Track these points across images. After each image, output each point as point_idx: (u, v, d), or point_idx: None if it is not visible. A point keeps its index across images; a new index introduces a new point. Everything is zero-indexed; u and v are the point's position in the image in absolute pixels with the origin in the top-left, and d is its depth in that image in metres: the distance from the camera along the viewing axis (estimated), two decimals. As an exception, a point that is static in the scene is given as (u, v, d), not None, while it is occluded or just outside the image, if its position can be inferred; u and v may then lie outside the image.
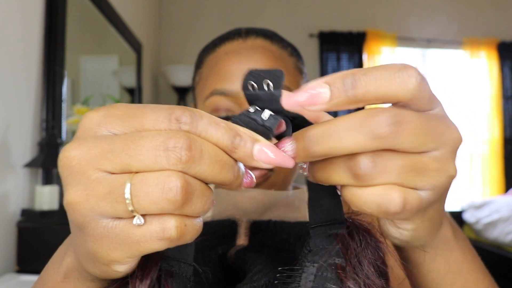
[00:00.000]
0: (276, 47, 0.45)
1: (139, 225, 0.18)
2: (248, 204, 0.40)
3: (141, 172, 0.17)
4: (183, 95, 2.58)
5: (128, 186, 0.17)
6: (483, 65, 2.99)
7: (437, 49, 3.00)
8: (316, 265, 0.23)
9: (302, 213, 0.42)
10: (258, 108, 0.21)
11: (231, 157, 0.19)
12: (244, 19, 2.78)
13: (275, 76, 0.21)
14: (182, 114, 0.18)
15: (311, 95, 0.19)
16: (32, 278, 0.88)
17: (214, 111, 0.43)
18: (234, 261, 0.33)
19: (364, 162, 0.19)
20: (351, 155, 0.19)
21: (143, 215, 0.18)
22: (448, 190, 0.22)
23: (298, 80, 0.46)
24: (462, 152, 2.98)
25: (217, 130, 0.19)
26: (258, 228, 0.37)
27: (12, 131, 0.99)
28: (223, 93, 0.42)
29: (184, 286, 0.23)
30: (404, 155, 0.19)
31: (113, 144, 0.18)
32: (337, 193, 0.25)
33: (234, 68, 0.42)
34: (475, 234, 2.22)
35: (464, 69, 3.00)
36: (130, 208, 0.17)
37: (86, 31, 1.57)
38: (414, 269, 0.27)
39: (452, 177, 0.20)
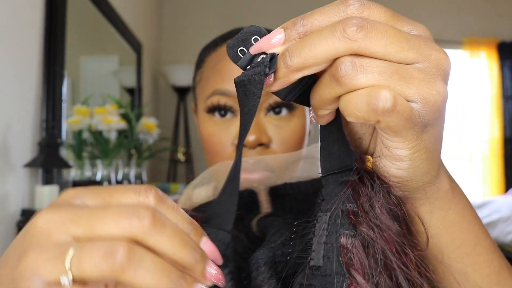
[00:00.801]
0: None
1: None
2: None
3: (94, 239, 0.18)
4: (183, 95, 2.58)
5: (70, 252, 0.17)
6: (483, 65, 2.99)
7: (437, 49, 2.99)
8: (328, 213, 0.23)
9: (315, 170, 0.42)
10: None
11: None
12: (244, 19, 2.78)
13: (253, 32, 0.23)
14: (150, 191, 0.20)
15: (267, 39, 0.22)
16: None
17: (215, 110, 0.43)
18: (257, 230, 0.33)
19: (343, 64, 0.19)
20: (333, 64, 0.20)
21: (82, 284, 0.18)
22: (441, 115, 0.22)
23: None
24: (462, 152, 2.98)
25: (180, 215, 0.21)
26: (277, 193, 0.37)
27: (12, 131, 0.99)
28: (224, 93, 0.42)
29: (222, 253, 0.23)
30: (385, 61, 0.20)
31: (80, 212, 0.19)
32: (346, 140, 0.25)
33: (235, 68, 0.42)
34: (475, 234, 2.22)
35: (464, 69, 3.00)
36: (66, 275, 0.17)
37: (86, 31, 1.57)
38: (414, 226, 0.27)
39: (442, 95, 0.21)
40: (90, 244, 0.18)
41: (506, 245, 1.98)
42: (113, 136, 1.43)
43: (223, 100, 0.42)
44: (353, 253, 0.21)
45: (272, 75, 0.22)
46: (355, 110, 0.20)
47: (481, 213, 2.22)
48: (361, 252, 0.22)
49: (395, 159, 0.23)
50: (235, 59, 0.23)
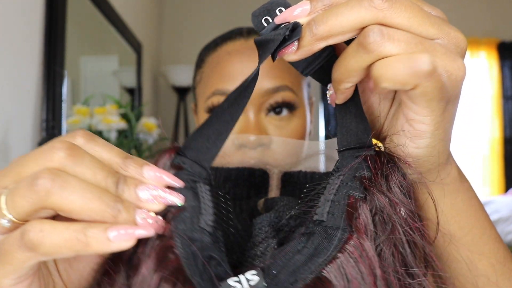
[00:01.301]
0: None
1: (5, 231, 0.19)
2: (279, 155, 0.40)
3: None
4: (183, 95, 2.58)
5: (3, 195, 0.19)
6: (483, 65, 2.99)
7: (437, 49, 2.99)
8: (341, 177, 0.23)
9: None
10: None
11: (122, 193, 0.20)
12: (244, 19, 2.77)
13: (278, 3, 0.23)
14: (78, 132, 0.21)
15: (293, 9, 0.22)
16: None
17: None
18: (263, 209, 0.33)
19: (371, 31, 0.20)
20: (361, 33, 0.21)
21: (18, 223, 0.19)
22: (459, 93, 0.23)
23: (299, 80, 0.46)
24: (462, 152, 2.98)
25: (109, 148, 0.21)
26: (289, 179, 0.36)
27: (12, 131, 0.99)
28: (224, 93, 0.42)
29: (193, 184, 0.22)
30: (409, 32, 0.20)
31: (9, 167, 0.20)
32: (365, 117, 0.25)
33: (236, 68, 0.42)
34: (475, 234, 2.22)
35: (464, 69, 3.00)
36: (5, 213, 0.18)
37: (86, 31, 1.57)
38: (423, 212, 0.27)
39: (462, 71, 0.21)
40: (17, 184, 0.19)
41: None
42: (113, 136, 1.43)
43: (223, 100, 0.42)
44: (358, 213, 0.21)
45: (296, 43, 0.22)
46: (394, 74, 0.20)
47: (481, 213, 2.23)
48: (367, 214, 0.21)
49: (416, 135, 0.23)
50: (259, 28, 0.24)
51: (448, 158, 0.26)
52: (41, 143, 1.04)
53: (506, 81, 3.00)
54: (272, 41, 0.22)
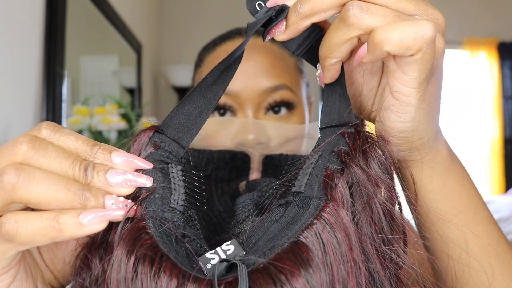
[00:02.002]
0: (276, 46, 0.45)
1: None
2: (262, 137, 0.40)
3: None
4: (183, 95, 2.58)
5: None
6: (483, 65, 2.99)
7: (437, 49, 2.99)
8: (319, 152, 0.24)
9: None
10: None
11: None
12: (244, 19, 2.77)
13: None
14: (42, 125, 0.21)
15: None
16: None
17: (215, 109, 0.43)
18: (245, 190, 0.33)
19: (351, 6, 0.21)
20: (343, 9, 0.22)
21: None
22: (440, 66, 0.23)
23: (298, 79, 0.46)
24: (461, 152, 2.98)
25: (74, 136, 0.21)
26: (271, 162, 0.37)
27: (12, 131, 0.99)
28: (224, 93, 0.42)
29: (164, 165, 0.23)
30: (387, 8, 0.22)
31: None
32: (348, 97, 0.26)
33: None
34: (475, 234, 2.22)
35: (464, 69, 3.00)
36: None
37: (86, 31, 1.57)
38: (411, 193, 0.28)
39: (443, 45, 0.22)
40: None
41: (506, 245, 1.98)
42: (113, 136, 1.43)
43: (222, 99, 0.42)
44: (335, 184, 0.22)
45: (284, 23, 0.24)
46: (401, 37, 0.21)
47: (481, 213, 2.23)
48: (343, 185, 0.22)
49: (401, 109, 0.24)
50: (253, 12, 0.25)
51: (437, 136, 0.26)
52: (41, 143, 1.04)
53: (506, 81, 3.00)
54: (259, 21, 0.24)
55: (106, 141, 1.44)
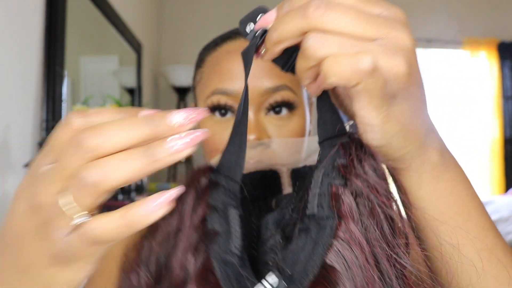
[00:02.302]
0: None
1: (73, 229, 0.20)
2: (278, 154, 0.41)
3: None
4: (183, 95, 2.58)
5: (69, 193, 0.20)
6: (483, 65, 2.99)
7: (437, 49, 3.00)
8: (322, 169, 0.26)
9: None
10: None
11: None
12: (244, 19, 2.78)
13: (260, 10, 0.27)
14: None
15: (265, 17, 0.25)
16: (32, 278, 0.88)
17: (216, 109, 0.43)
18: (275, 207, 0.35)
19: (307, 37, 0.22)
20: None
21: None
22: (407, 90, 0.23)
23: (299, 80, 0.46)
24: (461, 152, 2.98)
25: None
26: (297, 175, 0.38)
27: (12, 131, 0.99)
28: (224, 93, 0.42)
29: (229, 200, 0.25)
30: (345, 36, 0.22)
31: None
32: (336, 109, 0.28)
33: (236, 67, 0.42)
34: (475, 234, 2.22)
35: (464, 69, 3.00)
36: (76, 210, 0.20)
37: (86, 31, 1.57)
38: (403, 197, 0.28)
39: (402, 69, 0.22)
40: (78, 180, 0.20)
41: (506, 245, 1.98)
42: (113, 136, 1.43)
43: (223, 99, 0.42)
44: (342, 200, 0.23)
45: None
46: (339, 70, 0.21)
47: (481, 213, 2.23)
48: (350, 199, 0.23)
49: (367, 128, 0.24)
50: (244, 34, 0.27)
51: (423, 145, 0.26)
52: (41, 143, 1.04)
53: (506, 81, 3.00)
54: (249, 51, 0.27)
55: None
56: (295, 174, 0.38)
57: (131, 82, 2.09)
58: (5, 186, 0.96)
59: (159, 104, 2.73)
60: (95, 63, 1.71)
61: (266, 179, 0.38)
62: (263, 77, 0.42)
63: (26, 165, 1.01)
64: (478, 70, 2.99)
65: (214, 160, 0.42)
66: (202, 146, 0.46)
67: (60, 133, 0.21)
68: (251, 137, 0.41)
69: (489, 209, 2.20)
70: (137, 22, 2.15)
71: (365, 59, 0.21)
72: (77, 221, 0.20)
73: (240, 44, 0.44)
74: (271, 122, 0.43)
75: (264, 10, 0.27)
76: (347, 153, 0.25)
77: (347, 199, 0.23)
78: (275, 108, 0.43)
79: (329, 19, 0.22)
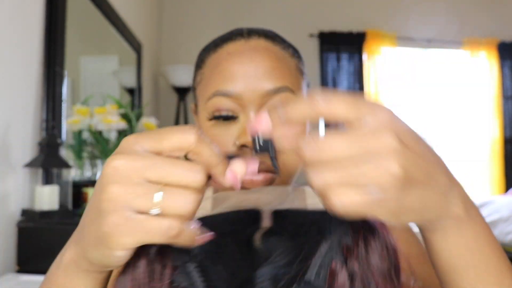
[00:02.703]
0: (278, 48, 0.45)
1: (152, 219, 0.24)
2: (265, 198, 0.42)
3: (170, 186, 0.24)
4: (183, 95, 2.58)
5: (161, 193, 0.24)
6: (483, 65, 2.99)
7: (437, 49, 3.00)
8: (328, 241, 0.27)
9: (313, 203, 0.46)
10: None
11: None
12: (244, 19, 2.78)
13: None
14: (191, 131, 0.26)
15: (258, 124, 0.26)
16: (32, 278, 0.88)
17: (216, 112, 0.43)
18: (260, 243, 0.36)
19: (308, 143, 0.24)
20: None
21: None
22: (403, 189, 0.23)
23: (299, 81, 0.46)
24: (462, 152, 2.98)
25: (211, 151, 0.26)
26: (279, 214, 0.40)
27: (12, 131, 0.99)
28: (225, 94, 0.42)
29: (184, 256, 0.28)
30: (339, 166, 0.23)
31: (153, 161, 0.24)
32: None
33: (237, 69, 0.42)
34: (475, 234, 2.22)
35: (464, 69, 3.00)
36: (157, 208, 0.24)
37: (86, 31, 1.57)
38: (427, 248, 0.28)
39: (390, 178, 0.22)
40: (170, 191, 0.24)
41: (506, 245, 1.98)
42: (113, 136, 1.43)
43: (224, 102, 0.42)
44: (337, 277, 0.26)
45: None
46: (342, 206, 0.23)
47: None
48: (344, 277, 0.26)
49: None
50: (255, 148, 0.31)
51: (445, 209, 0.26)
52: (41, 143, 1.04)
53: (506, 81, 3.00)
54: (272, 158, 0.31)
55: (106, 141, 1.44)
56: (276, 213, 0.39)
57: (131, 82, 2.09)
58: (5, 186, 0.96)
59: (159, 104, 2.73)
60: (95, 63, 1.71)
61: (249, 216, 0.39)
62: (264, 79, 0.42)
63: (26, 166, 1.01)
64: (478, 70, 2.99)
65: None
66: None
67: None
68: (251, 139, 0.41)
69: (489, 209, 2.20)
70: (137, 22, 2.15)
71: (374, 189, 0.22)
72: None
73: (241, 45, 0.44)
74: None
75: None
76: (354, 234, 0.27)
77: (342, 278, 0.26)
78: None
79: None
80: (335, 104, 0.23)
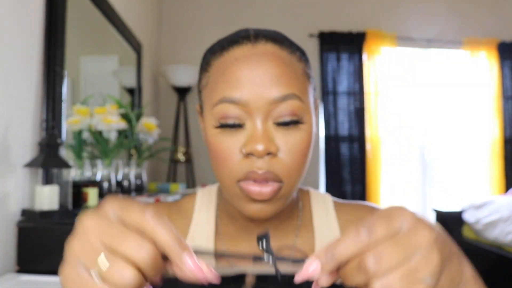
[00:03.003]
0: (285, 52, 0.44)
1: (92, 281, 0.25)
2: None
3: (116, 255, 0.26)
4: (183, 95, 2.58)
5: (102, 257, 0.26)
6: (483, 65, 2.99)
7: (437, 49, 3.00)
8: None
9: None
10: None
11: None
12: (244, 19, 2.78)
13: (267, 236, 0.33)
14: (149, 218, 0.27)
15: (307, 272, 0.28)
16: (32, 278, 0.88)
17: (223, 119, 0.43)
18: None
19: (369, 259, 0.26)
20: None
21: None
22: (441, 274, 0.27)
23: (306, 86, 0.45)
24: (462, 152, 2.98)
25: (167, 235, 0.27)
26: (263, 277, 0.43)
27: (12, 131, 0.99)
28: (232, 102, 0.42)
29: None
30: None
31: (112, 228, 0.26)
32: None
33: (244, 76, 0.42)
34: (475, 234, 2.22)
35: (464, 69, 3.00)
36: (95, 271, 0.26)
37: (86, 31, 1.57)
38: None
39: (431, 270, 0.26)
40: (113, 259, 0.26)
41: (506, 245, 1.98)
42: (113, 136, 1.43)
43: (231, 109, 0.42)
44: None
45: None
46: None
47: (481, 213, 2.22)
48: None
49: None
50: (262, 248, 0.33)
51: (462, 277, 0.29)
52: (41, 143, 1.04)
53: (506, 81, 3.00)
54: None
55: (106, 141, 1.44)
56: (260, 277, 0.42)
57: (131, 82, 2.09)
58: (5, 186, 0.96)
59: (159, 104, 2.73)
60: (95, 63, 1.71)
61: (236, 277, 0.42)
62: (271, 86, 0.42)
63: (26, 166, 1.01)
64: (478, 70, 2.99)
65: (220, 170, 0.45)
66: (209, 154, 0.46)
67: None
68: (259, 147, 0.41)
69: (489, 209, 2.20)
70: (137, 22, 2.15)
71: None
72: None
73: (248, 50, 0.43)
74: (278, 131, 0.43)
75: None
76: None
77: None
78: (283, 124, 0.43)
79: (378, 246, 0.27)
80: (373, 231, 0.27)
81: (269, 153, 0.42)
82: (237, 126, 0.43)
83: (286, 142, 0.43)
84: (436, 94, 3.04)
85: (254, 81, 0.42)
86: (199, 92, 0.49)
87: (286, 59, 0.44)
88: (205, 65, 0.47)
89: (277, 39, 0.45)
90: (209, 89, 0.45)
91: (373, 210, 0.52)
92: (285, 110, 0.42)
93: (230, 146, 0.43)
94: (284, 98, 0.42)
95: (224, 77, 0.43)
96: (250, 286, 0.42)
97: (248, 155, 0.42)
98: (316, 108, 0.50)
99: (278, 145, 0.42)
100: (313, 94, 0.48)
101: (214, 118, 0.43)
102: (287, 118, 0.42)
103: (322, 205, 0.54)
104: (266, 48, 0.44)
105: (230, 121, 0.42)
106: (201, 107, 0.49)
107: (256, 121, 0.42)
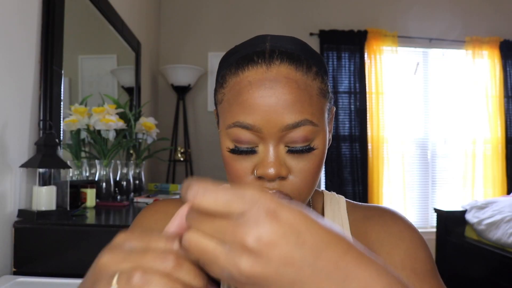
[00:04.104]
0: (300, 74, 0.44)
1: None
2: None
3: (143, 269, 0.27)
4: (182, 94, 2.57)
5: (116, 277, 0.27)
6: (485, 64, 2.98)
7: (439, 48, 2.98)
8: None
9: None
10: None
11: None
12: (245, 19, 2.76)
13: None
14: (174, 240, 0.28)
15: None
16: (29, 279, 0.87)
17: (237, 142, 0.45)
18: None
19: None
20: None
21: None
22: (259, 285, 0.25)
23: (321, 105, 0.46)
24: (464, 152, 2.96)
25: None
26: None
27: (9, 131, 0.98)
28: (245, 127, 0.43)
29: None
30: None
31: (130, 253, 0.28)
32: None
33: (257, 102, 0.43)
34: (477, 235, 2.20)
35: (466, 68, 2.98)
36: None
37: (84, 30, 1.56)
38: None
39: (243, 274, 0.25)
40: (126, 275, 0.27)
41: (508, 246, 1.96)
42: (111, 135, 1.42)
43: (244, 135, 0.44)
44: None
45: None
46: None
47: (484, 214, 2.21)
48: None
49: None
50: None
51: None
52: (39, 143, 1.03)
53: (509, 80, 2.99)
54: None
55: (104, 140, 1.43)
56: None
57: (130, 82, 2.08)
58: (2, 186, 0.95)
59: (158, 104, 2.72)
60: (93, 62, 1.69)
61: None
62: (284, 113, 0.43)
63: (23, 165, 1.00)
64: (480, 70, 2.97)
65: (234, 184, 0.45)
66: (227, 172, 0.48)
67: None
68: (270, 171, 0.42)
69: (491, 210, 2.18)
70: (136, 21, 2.14)
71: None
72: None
73: (262, 74, 0.44)
74: (290, 155, 0.44)
75: None
76: None
77: None
78: (295, 152, 0.44)
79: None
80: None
81: (280, 177, 0.43)
82: (250, 151, 0.45)
83: (297, 165, 0.44)
84: (438, 93, 3.02)
85: (267, 108, 0.43)
86: (215, 104, 0.50)
87: (301, 82, 0.44)
88: (220, 79, 0.48)
89: (293, 57, 0.45)
90: (223, 107, 0.47)
91: (385, 211, 0.52)
92: (297, 136, 0.43)
93: (243, 167, 0.45)
94: (297, 125, 0.43)
95: (238, 100, 0.44)
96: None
97: (259, 178, 0.44)
98: (332, 117, 0.51)
99: (289, 168, 0.44)
100: (329, 107, 0.48)
101: (228, 139, 0.46)
102: (299, 145, 0.44)
103: (336, 206, 0.55)
104: (280, 70, 0.44)
105: (243, 147, 0.45)
106: (218, 121, 0.51)
107: (268, 146, 0.44)
